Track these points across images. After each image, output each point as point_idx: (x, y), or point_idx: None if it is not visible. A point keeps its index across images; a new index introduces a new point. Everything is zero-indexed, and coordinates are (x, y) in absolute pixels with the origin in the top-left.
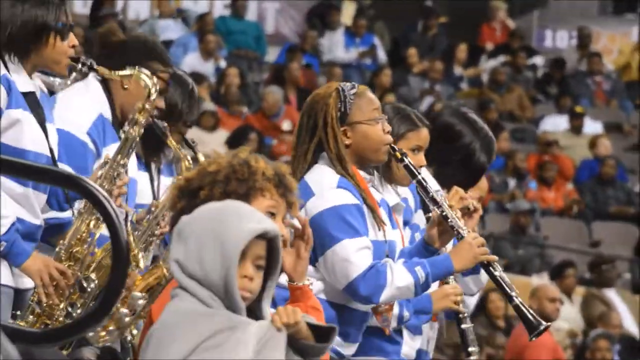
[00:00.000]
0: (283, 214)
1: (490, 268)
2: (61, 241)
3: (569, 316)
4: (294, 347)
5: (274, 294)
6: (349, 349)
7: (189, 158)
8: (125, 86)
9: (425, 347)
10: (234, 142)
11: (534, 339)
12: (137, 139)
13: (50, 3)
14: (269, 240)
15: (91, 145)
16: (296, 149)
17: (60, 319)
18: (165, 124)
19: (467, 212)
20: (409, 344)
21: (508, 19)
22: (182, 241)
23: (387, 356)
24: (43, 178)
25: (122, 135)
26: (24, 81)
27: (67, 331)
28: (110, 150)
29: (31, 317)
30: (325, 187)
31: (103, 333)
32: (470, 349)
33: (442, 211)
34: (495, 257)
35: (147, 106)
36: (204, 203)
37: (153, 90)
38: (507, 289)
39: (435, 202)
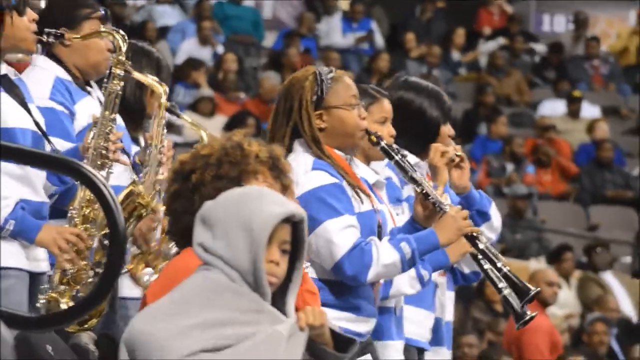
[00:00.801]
0: None
1: (476, 240)
2: (71, 207)
3: (567, 300)
4: (310, 350)
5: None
6: (364, 325)
7: (159, 81)
8: (67, 43)
9: (440, 314)
10: (231, 127)
11: (526, 306)
12: (120, 91)
13: None
14: (293, 224)
15: (59, 107)
16: (273, 132)
17: (90, 280)
18: (129, 62)
19: (456, 165)
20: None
21: (506, 4)
22: (208, 227)
23: (388, 336)
24: (38, 162)
25: (104, 92)
26: None
27: (65, 316)
28: (82, 105)
29: (62, 286)
30: (300, 173)
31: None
32: (499, 264)
33: (422, 189)
34: (479, 229)
35: (121, 58)
36: (197, 186)
37: (121, 42)
38: (494, 258)
39: (414, 180)
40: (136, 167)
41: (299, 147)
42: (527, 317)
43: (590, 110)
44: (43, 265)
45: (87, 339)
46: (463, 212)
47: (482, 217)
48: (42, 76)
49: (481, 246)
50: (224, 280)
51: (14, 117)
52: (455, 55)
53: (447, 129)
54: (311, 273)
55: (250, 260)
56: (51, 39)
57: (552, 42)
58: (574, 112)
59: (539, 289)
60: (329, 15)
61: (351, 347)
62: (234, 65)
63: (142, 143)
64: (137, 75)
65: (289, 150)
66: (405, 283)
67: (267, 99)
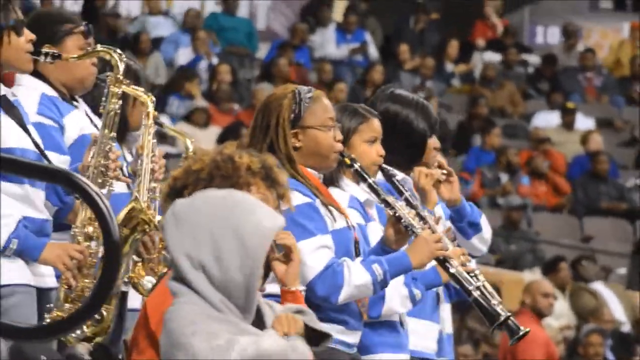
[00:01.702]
0: (274, 206)
1: (446, 264)
2: (73, 225)
3: (562, 311)
4: None
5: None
6: (352, 337)
7: (143, 90)
8: (48, 61)
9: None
10: (225, 138)
11: (495, 331)
12: (118, 110)
13: None
14: None
15: (48, 121)
16: (249, 148)
17: None
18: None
19: (444, 181)
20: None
21: (499, 17)
22: (184, 229)
23: (397, 349)
24: (35, 174)
25: (102, 110)
26: None
27: (59, 327)
28: (70, 118)
29: (67, 305)
30: None
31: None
32: (470, 288)
33: (395, 212)
34: (450, 253)
35: (118, 76)
36: None
37: (119, 61)
38: (465, 284)
39: (387, 203)
40: (130, 178)
41: None
42: (522, 333)
43: (584, 122)
44: (49, 281)
45: (82, 349)
46: (436, 235)
47: (473, 228)
48: (27, 93)
49: (452, 270)
50: (207, 313)
51: (14, 137)
52: (449, 66)
53: (432, 142)
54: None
55: (244, 274)
56: (48, 59)
57: (546, 54)
58: (568, 124)
59: (509, 314)
60: (323, 26)
61: (325, 340)
62: (227, 77)
63: (131, 154)
64: (124, 87)
65: None
66: (397, 302)
67: None
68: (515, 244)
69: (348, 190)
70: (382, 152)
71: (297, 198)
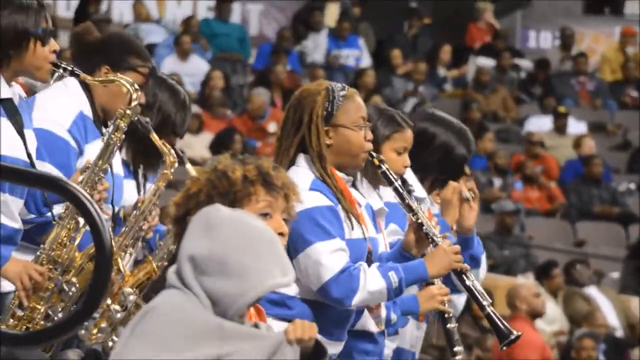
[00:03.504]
0: (281, 209)
1: (463, 276)
2: (42, 246)
3: (555, 316)
4: None
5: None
6: (334, 348)
7: (173, 153)
8: (65, 76)
9: (407, 346)
10: (218, 144)
11: (504, 348)
12: (118, 144)
13: (29, 8)
14: None
15: (73, 143)
16: (280, 142)
17: (41, 322)
18: (148, 120)
19: (467, 202)
20: (388, 346)
21: (493, 20)
22: (208, 236)
23: (370, 356)
24: (26, 181)
25: (104, 141)
26: (2, 88)
27: (51, 333)
28: (92, 147)
29: (12, 320)
30: None
31: (95, 331)
32: (455, 349)
33: (417, 218)
34: (467, 267)
35: (128, 112)
36: None
37: (135, 97)
38: (480, 298)
39: (410, 209)
40: (119, 222)
41: (303, 163)
42: (513, 337)
43: (576, 126)
44: (8, 286)
45: (74, 355)
46: (455, 247)
47: (473, 262)
48: (67, 104)
49: (468, 283)
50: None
51: (8, 145)
52: (442, 71)
53: (466, 168)
54: (293, 292)
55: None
56: (66, 75)
57: (538, 59)
58: (560, 128)
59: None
60: (316, 32)
61: (322, 354)
62: (220, 83)
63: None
64: (152, 136)
65: (292, 162)
66: (371, 321)
67: (254, 116)
68: (508, 249)
69: (365, 196)
70: (408, 163)
71: (320, 200)
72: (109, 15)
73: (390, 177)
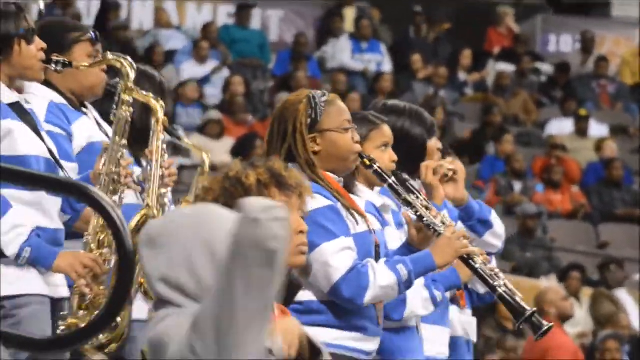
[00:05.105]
0: (296, 207)
1: (470, 261)
2: (86, 233)
3: (578, 318)
4: None
5: None
6: (371, 344)
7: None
8: (59, 69)
9: (460, 333)
10: (240, 149)
11: (521, 326)
12: (129, 118)
13: (8, 13)
14: None
15: (56, 130)
16: (268, 155)
17: None
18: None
19: (450, 179)
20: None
21: (514, 24)
22: (157, 250)
23: (413, 355)
24: (47, 186)
25: (113, 118)
26: (6, 93)
27: (75, 338)
28: (78, 125)
29: (81, 312)
30: None
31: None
32: (495, 283)
33: (416, 211)
34: (475, 250)
35: (129, 84)
36: None
37: (129, 69)
38: (489, 279)
39: (408, 203)
40: (141, 185)
41: None
42: (545, 328)
43: (598, 129)
44: (62, 291)
45: (99, 357)
46: (459, 232)
47: (484, 225)
48: (36, 102)
49: (477, 266)
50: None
51: (28, 144)
52: (462, 75)
53: (433, 144)
54: (310, 296)
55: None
56: (59, 68)
57: (559, 62)
58: (581, 131)
59: (535, 309)
60: (335, 37)
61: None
62: (241, 88)
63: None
64: (135, 94)
65: None
66: (419, 305)
67: None
68: (530, 251)
69: (363, 197)
70: (395, 157)
71: (319, 201)
72: (129, 22)
73: (384, 175)
